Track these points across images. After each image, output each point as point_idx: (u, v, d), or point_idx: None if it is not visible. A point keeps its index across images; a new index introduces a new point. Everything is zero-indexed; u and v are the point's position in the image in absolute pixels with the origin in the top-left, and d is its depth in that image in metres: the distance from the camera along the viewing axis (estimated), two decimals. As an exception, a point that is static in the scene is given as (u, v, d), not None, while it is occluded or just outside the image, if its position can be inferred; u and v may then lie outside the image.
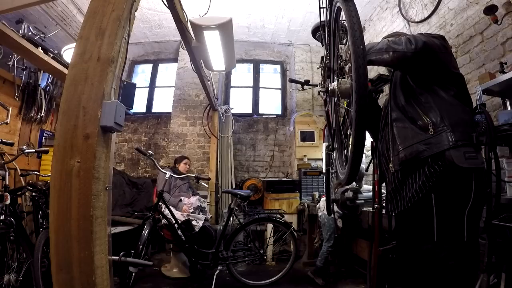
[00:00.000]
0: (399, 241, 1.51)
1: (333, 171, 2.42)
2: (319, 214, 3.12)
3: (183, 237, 2.69)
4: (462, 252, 1.09)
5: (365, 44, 1.01)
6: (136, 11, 1.38)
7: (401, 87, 1.38)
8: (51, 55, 3.03)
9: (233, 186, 4.51)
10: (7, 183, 2.15)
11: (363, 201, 2.52)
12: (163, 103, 5.25)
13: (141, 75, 5.60)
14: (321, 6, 1.62)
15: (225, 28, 2.51)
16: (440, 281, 1.12)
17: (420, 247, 1.20)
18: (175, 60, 5.19)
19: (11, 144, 2.36)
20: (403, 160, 1.27)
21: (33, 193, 2.42)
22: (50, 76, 3.81)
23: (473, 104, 1.42)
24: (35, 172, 2.93)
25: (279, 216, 3.06)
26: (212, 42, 2.71)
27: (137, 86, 4.19)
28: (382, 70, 2.53)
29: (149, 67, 5.52)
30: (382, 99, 2.04)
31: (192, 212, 3.02)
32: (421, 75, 1.28)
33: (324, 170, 3.64)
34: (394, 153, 1.35)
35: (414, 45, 1.20)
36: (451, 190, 1.13)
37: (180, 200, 3.14)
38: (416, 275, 1.21)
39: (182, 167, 3.54)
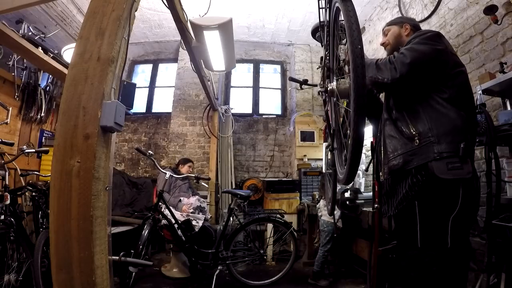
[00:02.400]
0: (397, 242, 1.52)
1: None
2: (319, 214, 3.13)
3: (183, 237, 2.69)
4: (446, 258, 1.09)
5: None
6: (136, 11, 1.38)
7: (393, 95, 1.38)
8: (51, 55, 3.03)
9: (233, 186, 4.51)
10: (7, 183, 2.15)
11: (363, 201, 2.52)
12: (163, 103, 5.25)
13: (141, 75, 5.60)
14: (320, 6, 1.62)
15: (225, 28, 2.51)
16: (424, 286, 1.13)
17: (407, 252, 1.21)
18: (175, 60, 5.19)
19: (11, 144, 2.36)
20: (391, 169, 1.28)
21: (33, 193, 2.42)
22: (50, 76, 3.82)
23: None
24: (35, 172, 2.93)
25: (279, 216, 3.06)
26: (212, 42, 2.71)
27: (137, 86, 4.19)
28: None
29: (149, 67, 5.52)
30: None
31: (191, 212, 3.02)
32: (413, 87, 1.25)
33: (324, 170, 3.64)
34: (384, 161, 1.36)
35: (399, 73, 1.17)
36: (435, 199, 1.13)
37: (180, 200, 3.14)
38: (406, 278, 1.21)
39: (185, 169, 3.51)
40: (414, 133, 1.19)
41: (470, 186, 1.12)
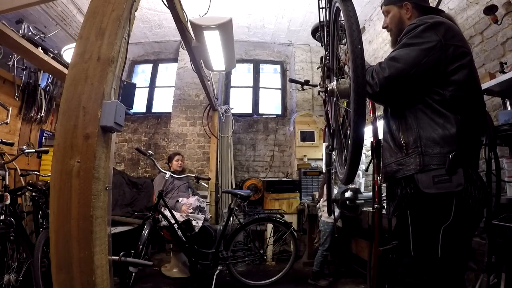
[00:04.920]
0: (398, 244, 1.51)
1: (334, 171, 2.43)
2: (319, 214, 3.13)
3: (183, 237, 2.69)
4: (436, 268, 1.07)
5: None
6: (136, 11, 1.38)
7: (387, 103, 1.33)
8: (51, 55, 3.03)
9: (233, 186, 4.51)
10: (7, 183, 2.15)
11: (363, 201, 2.52)
12: (163, 103, 5.25)
13: (141, 75, 5.60)
14: (320, 6, 1.62)
15: (225, 28, 2.51)
16: None
17: (401, 259, 1.20)
18: (175, 60, 5.19)
19: (11, 144, 2.36)
20: (385, 176, 1.27)
21: (33, 193, 2.42)
22: (50, 76, 3.82)
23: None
24: (35, 172, 2.93)
25: (279, 216, 3.07)
26: (212, 42, 2.71)
27: (137, 86, 4.19)
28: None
29: (149, 67, 5.52)
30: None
31: (191, 213, 3.02)
32: (403, 93, 1.16)
33: (324, 170, 3.64)
34: (382, 166, 1.35)
35: (379, 87, 1.11)
36: (425, 210, 1.09)
37: (177, 201, 3.14)
38: (401, 284, 1.20)
39: (174, 165, 3.49)
40: (402, 142, 1.14)
41: (467, 197, 1.04)
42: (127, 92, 2.56)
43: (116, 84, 1.20)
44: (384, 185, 1.43)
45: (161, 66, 5.53)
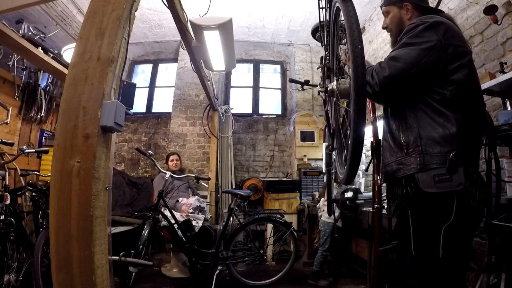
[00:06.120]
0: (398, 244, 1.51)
1: (334, 171, 2.43)
2: (319, 214, 3.13)
3: (183, 238, 2.69)
4: (437, 269, 1.07)
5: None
6: (136, 11, 1.38)
7: (387, 102, 1.33)
8: (51, 55, 3.03)
9: (233, 186, 4.51)
10: (7, 183, 2.15)
11: (363, 201, 2.52)
12: (163, 103, 5.25)
13: (141, 75, 5.60)
14: (320, 6, 1.62)
15: (225, 28, 2.51)
16: None
17: (402, 259, 1.20)
18: (175, 60, 5.19)
19: (11, 144, 2.36)
20: (385, 175, 1.27)
21: (33, 193, 2.42)
22: (50, 76, 3.81)
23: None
24: (35, 172, 2.93)
25: (279, 216, 3.06)
26: (212, 42, 2.71)
27: (137, 86, 4.19)
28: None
29: (149, 67, 5.52)
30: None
31: (191, 213, 3.02)
32: (403, 92, 1.16)
33: (324, 170, 3.65)
34: (382, 166, 1.35)
35: (379, 87, 1.11)
36: (426, 210, 1.09)
37: (177, 201, 3.14)
38: (402, 284, 1.20)
39: (169, 165, 3.54)
40: (403, 142, 1.15)
41: (468, 196, 1.04)
42: (127, 92, 2.56)
43: (116, 84, 1.20)
44: (384, 185, 1.43)
45: (161, 66, 5.53)
